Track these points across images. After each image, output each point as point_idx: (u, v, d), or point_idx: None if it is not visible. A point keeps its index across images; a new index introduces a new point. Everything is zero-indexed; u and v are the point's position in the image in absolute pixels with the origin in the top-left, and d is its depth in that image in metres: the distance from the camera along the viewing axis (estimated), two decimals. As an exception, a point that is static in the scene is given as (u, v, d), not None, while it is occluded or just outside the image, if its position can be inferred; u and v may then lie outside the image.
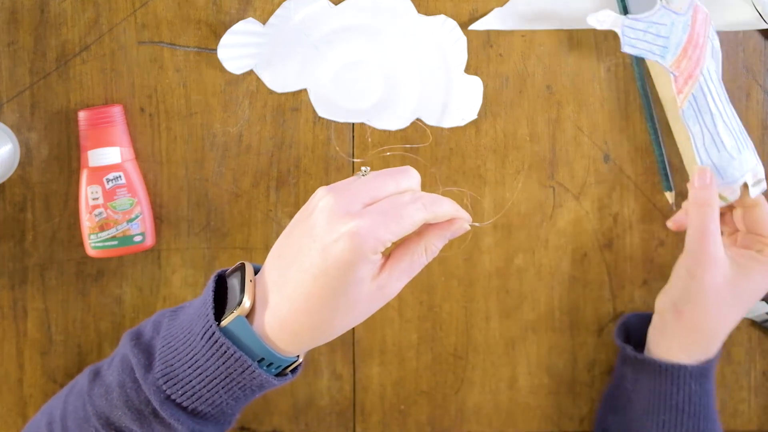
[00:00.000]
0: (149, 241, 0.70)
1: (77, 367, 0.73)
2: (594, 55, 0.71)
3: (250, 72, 0.71)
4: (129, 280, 0.73)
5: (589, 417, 0.75)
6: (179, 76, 0.71)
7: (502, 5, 0.71)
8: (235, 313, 0.51)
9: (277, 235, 0.72)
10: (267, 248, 0.73)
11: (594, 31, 0.71)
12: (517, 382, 0.74)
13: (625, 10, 0.69)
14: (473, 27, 0.71)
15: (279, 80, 0.71)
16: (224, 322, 0.52)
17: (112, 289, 0.73)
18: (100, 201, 0.69)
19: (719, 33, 0.71)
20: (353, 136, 0.72)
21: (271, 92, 0.71)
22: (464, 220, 0.54)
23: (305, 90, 0.71)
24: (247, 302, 0.52)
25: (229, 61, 0.69)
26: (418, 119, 0.71)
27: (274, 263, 0.53)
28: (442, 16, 0.70)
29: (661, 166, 0.71)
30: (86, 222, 0.69)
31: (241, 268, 0.54)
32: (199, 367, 0.52)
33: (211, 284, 0.54)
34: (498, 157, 0.72)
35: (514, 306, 0.73)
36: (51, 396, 0.73)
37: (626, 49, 0.60)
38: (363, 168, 0.54)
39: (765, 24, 0.70)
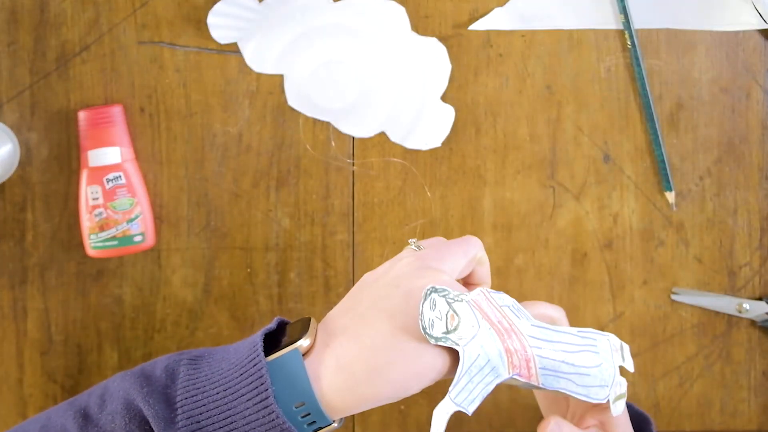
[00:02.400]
0: (149, 241, 0.70)
1: (77, 368, 0.73)
2: (594, 55, 0.71)
3: (250, 72, 0.71)
4: (129, 280, 0.73)
5: (589, 417, 0.75)
6: (179, 76, 0.71)
7: (502, 5, 0.71)
8: (292, 346, 0.49)
9: (277, 235, 0.72)
10: (267, 248, 0.73)
11: (594, 31, 0.71)
12: (517, 382, 0.74)
13: (624, 10, 0.69)
14: (473, 27, 0.71)
15: (259, 59, 0.70)
16: (274, 355, 0.48)
17: (112, 289, 0.73)
18: (100, 201, 0.69)
19: (719, 33, 0.71)
20: (353, 137, 0.72)
21: (272, 92, 0.71)
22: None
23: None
24: (306, 340, 0.49)
25: (216, 29, 0.69)
26: (383, 132, 0.72)
27: (341, 313, 0.51)
28: (434, 39, 0.70)
29: (661, 166, 0.71)
30: (86, 222, 0.69)
31: (303, 320, 0.52)
32: (234, 429, 0.47)
33: (261, 333, 0.50)
34: (498, 157, 0.72)
35: (514, 306, 0.73)
36: (51, 396, 0.73)
37: (471, 408, 0.51)
38: (411, 241, 0.55)
39: (765, 24, 0.70)
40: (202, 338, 0.73)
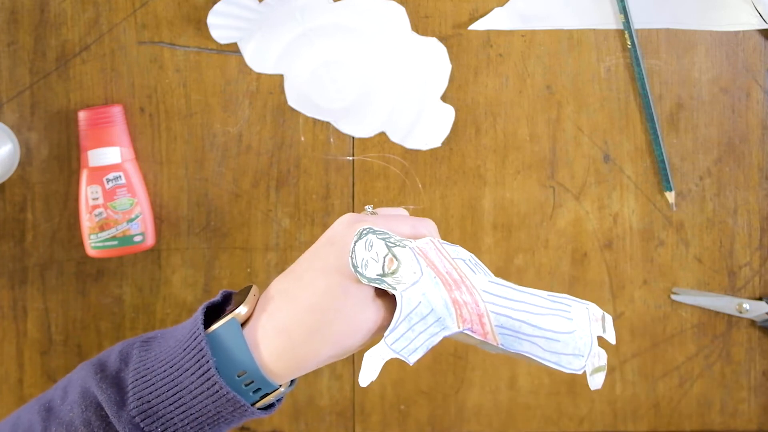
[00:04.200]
0: (149, 241, 0.70)
1: (77, 367, 0.73)
2: (594, 55, 0.71)
3: (250, 72, 0.71)
4: (129, 280, 0.73)
5: (589, 417, 0.75)
6: (179, 76, 0.71)
7: (502, 5, 0.71)
8: (228, 317, 0.49)
9: (277, 235, 0.72)
10: (267, 248, 0.73)
11: (594, 31, 0.71)
12: (517, 382, 0.74)
13: (624, 10, 0.69)
14: (473, 27, 0.71)
15: (259, 59, 0.70)
16: (213, 327, 0.49)
17: (112, 289, 0.73)
18: (100, 201, 0.69)
19: (719, 33, 0.71)
20: (353, 137, 0.72)
21: (272, 92, 0.71)
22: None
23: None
24: (244, 309, 0.49)
25: (216, 29, 0.69)
26: (383, 132, 0.72)
27: (282, 277, 0.51)
28: (434, 39, 0.70)
29: (661, 166, 0.71)
30: (86, 222, 0.69)
31: (246, 288, 0.52)
32: (183, 405, 0.48)
33: (202, 307, 0.51)
34: (498, 157, 0.72)
35: (514, 306, 0.73)
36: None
37: (413, 357, 0.48)
38: (367, 207, 0.54)
39: (765, 24, 0.70)
40: (202, 338, 0.73)
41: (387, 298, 0.50)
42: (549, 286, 0.73)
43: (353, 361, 0.74)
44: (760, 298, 0.73)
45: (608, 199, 0.73)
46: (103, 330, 0.73)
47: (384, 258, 0.48)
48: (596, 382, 0.51)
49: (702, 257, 0.73)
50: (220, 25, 0.69)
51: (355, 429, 0.75)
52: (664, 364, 0.74)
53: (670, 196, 0.72)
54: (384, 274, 0.48)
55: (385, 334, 0.48)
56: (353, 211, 0.72)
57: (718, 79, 0.72)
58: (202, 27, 0.70)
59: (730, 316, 0.73)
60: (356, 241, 0.48)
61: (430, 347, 0.48)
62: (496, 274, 0.72)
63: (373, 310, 0.49)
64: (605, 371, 0.51)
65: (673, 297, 0.73)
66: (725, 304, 0.73)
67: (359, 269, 0.48)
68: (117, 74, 0.71)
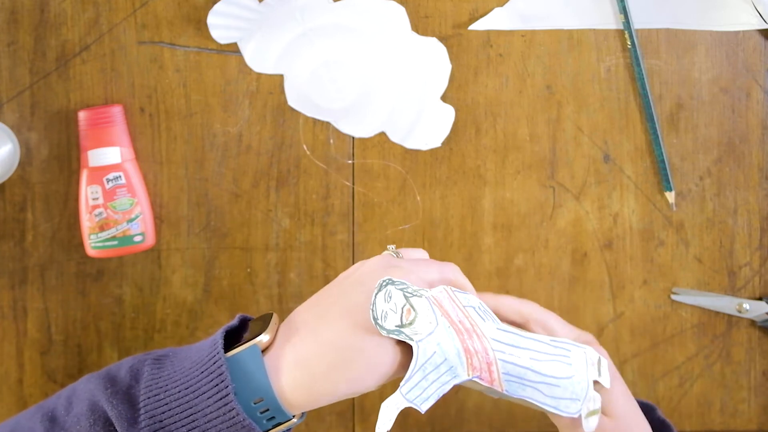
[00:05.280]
0: (149, 241, 0.70)
1: (77, 368, 0.73)
2: (594, 55, 0.71)
3: (250, 72, 0.71)
4: (129, 280, 0.73)
5: (589, 417, 0.75)
6: (179, 76, 0.71)
7: (502, 5, 0.71)
8: (251, 342, 0.49)
9: (277, 235, 0.72)
10: (267, 248, 0.73)
11: (594, 31, 0.71)
12: (517, 382, 0.74)
13: (624, 10, 0.69)
14: (473, 27, 0.71)
15: (259, 59, 0.70)
16: (233, 351, 0.49)
17: (112, 289, 0.73)
18: (100, 201, 0.69)
19: (719, 33, 0.71)
20: (353, 137, 0.72)
21: (272, 92, 0.71)
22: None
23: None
24: (266, 336, 0.50)
25: (216, 29, 0.69)
26: (383, 132, 0.72)
27: (305, 310, 0.52)
28: (434, 39, 0.70)
29: (661, 166, 0.71)
30: (86, 222, 0.69)
31: (265, 316, 0.53)
32: (197, 427, 0.48)
33: (222, 330, 0.51)
34: (498, 157, 0.72)
35: (514, 306, 0.73)
36: (51, 395, 0.73)
37: (425, 406, 0.50)
38: (389, 247, 0.54)
39: (765, 24, 0.70)
40: (202, 338, 0.73)
41: (404, 343, 0.50)
42: (549, 286, 0.73)
43: (353, 361, 0.74)
44: (760, 298, 0.73)
45: (608, 199, 0.73)
46: (103, 330, 0.73)
47: (402, 308, 0.49)
48: (590, 425, 0.52)
49: (702, 257, 0.73)
50: (220, 25, 0.69)
51: (354, 429, 0.75)
52: (664, 364, 0.74)
53: (670, 196, 0.72)
54: (402, 325, 0.49)
55: (401, 384, 0.49)
56: (353, 213, 0.72)
57: (718, 79, 0.72)
58: (202, 27, 0.70)
59: (730, 316, 0.73)
60: (377, 294, 0.49)
61: (441, 395, 0.50)
62: (497, 275, 0.73)
63: (392, 355, 0.50)
64: (599, 414, 0.52)
65: (673, 297, 0.73)
66: (725, 304, 0.73)
67: (379, 321, 0.49)
68: (117, 74, 0.71)
